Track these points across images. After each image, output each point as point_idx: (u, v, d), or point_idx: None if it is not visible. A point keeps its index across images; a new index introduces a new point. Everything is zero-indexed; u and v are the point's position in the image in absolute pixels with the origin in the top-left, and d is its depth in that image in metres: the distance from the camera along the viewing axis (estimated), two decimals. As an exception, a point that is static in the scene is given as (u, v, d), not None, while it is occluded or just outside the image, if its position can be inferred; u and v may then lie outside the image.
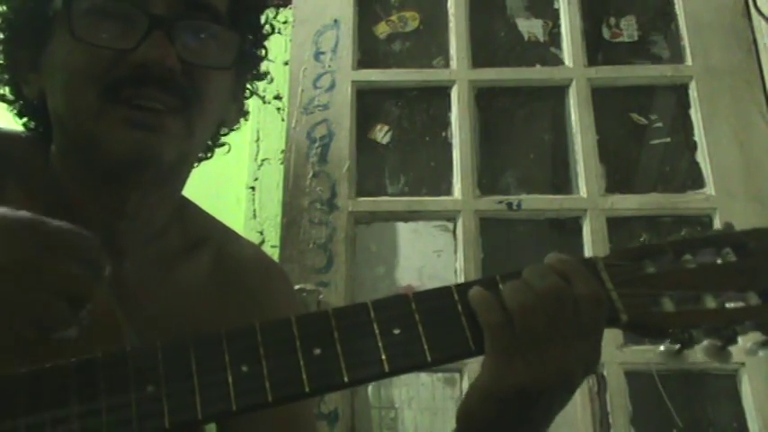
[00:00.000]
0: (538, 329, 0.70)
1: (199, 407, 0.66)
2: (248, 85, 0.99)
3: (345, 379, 0.68)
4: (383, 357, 0.69)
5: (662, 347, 0.75)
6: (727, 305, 0.73)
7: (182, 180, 0.92)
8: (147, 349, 0.69)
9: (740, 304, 0.73)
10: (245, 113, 1.00)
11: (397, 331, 0.70)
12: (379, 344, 0.69)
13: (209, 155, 0.99)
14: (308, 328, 0.70)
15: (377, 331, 0.70)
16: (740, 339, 0.73)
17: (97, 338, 0.71)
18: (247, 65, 0.96)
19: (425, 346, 0.70)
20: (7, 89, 0.92)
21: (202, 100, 0.84)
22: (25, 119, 0.93)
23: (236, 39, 0.87)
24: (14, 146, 0.91)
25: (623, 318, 0.73)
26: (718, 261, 0.75)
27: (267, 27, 0.97)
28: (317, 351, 0.68)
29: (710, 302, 0.73)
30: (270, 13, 0.97)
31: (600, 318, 0.72)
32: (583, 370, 0.73)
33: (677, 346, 0.74)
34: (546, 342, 0.70)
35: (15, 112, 0.93)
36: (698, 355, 0.75)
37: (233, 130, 0.99)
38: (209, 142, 0.97)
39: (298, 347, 0.68)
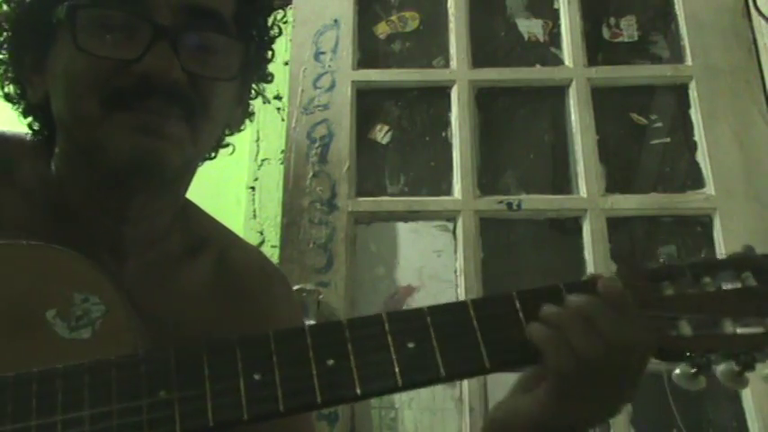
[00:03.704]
0: (603, 376, 0.70)
1: (210, 414, 0.66)
2: (254, 87, 0.98)
3: (358, 391, 0.68)
4: (397, 371, 0.68)
5: (677, 370, 0.74)
6: (747, 331, 0.72)
7: (185, 185, 0.92)
8: (160, 354, 0.69)
9: (759, 330, 0.72)
10: (250, 115, 0.99)
11: (411, 345, 0.69)
12: (393, 357, 0.68)
13: (212, 155, 0.99)
14: (321, 339, 0.69)
15: (390, 344, 0.69)
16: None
17: (111, 341, 0.71)
18: (254, 69, 0.95)
19: (440, 362, 0.69)
20: (12, 87, 0.91)
21: (208, 109, 0.84)
22: (30, 118, 0.92)
23: (240, 48, 0.87)
24: (14, 149, 0.91)
25: None
26: (738, 285, 0.74)
27: (274, 30, 0.96)
28: (331, 362, 0.68)
29: (729, 327, 0.72)
30: (277, 15, 0.96)
31: (648, 358, 0.72)
32: (627, 401, 0.74)
33: (693, 370, 0.73)
34: (606, 385, 0.70)
35: (20, 111, 0.92)
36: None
37: (238, 131, 0.99)
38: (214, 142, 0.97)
39: (311, 358, 0.68)
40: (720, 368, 0.73)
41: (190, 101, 0.81)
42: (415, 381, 0.69)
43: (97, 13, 0.81)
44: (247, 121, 1.01)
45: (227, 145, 1.00)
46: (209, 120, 0.85)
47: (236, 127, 0.98)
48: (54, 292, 0.73)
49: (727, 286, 0.74)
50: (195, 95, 0.82)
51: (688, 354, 0.72)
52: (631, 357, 0.70)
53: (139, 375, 0.67)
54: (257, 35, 0.93)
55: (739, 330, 0.72)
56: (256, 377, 0.67)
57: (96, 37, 0.80)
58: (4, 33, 0.90)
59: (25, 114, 0.92)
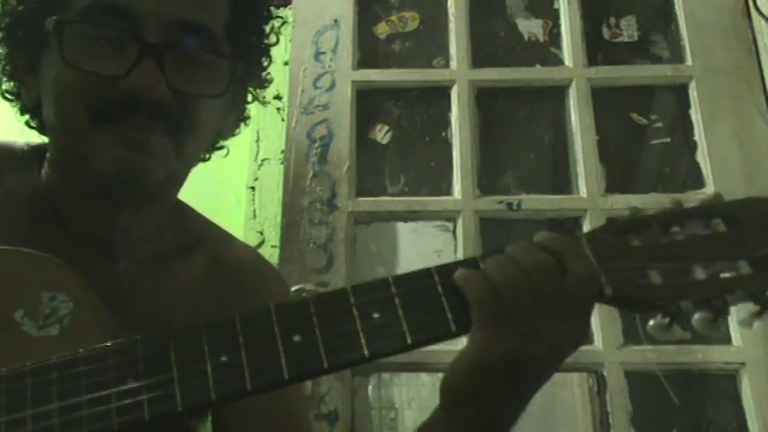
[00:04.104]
0: (525, 303, 0.70)
1: (178, 397, 0.66)
2: (251, 91, 0.98)
3: (325, 364, 0.68)
4: (363, 342, 0.69)
5: (651, 322, 0.74)
6: (718, 275, 0.72)
7: (175, 191, 0.92)
8: (126, 344, 0.69)
9: (731, 274, 0.72)
10: (245, 119, 0.99)
11: (376, 315, 0.70)
12: (359, 328, 0.69)
13: (207, 157, 0.99)
14: (287, 316, 0.70)
15: (356, 316, 0.70)
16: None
17: (79, 337, 0.72)
18: (248, 78, 0.95)
19: (405, 329, 0.69)
20: (9, 84, 0.92)
21: (194, 124, 0.84)
22: (27, 116, 0.93)
23: (229, 66, 0.86)
24: (8, 156, 0.91)
25: (607, 291, 0.72)
26: (708, 232, 0.74)
27: (271, 38, 0.96)
28: (297, 338, 0.68)
29: (700, 273, 0.72)
30: (275, 23, 0.96)
31: (591, 295, 0.72)
32: (572, 344, 0.73)
33: (667, 320, 0.73)
34: (535, 315, 0.70)
35: (18, 108, 0.93)
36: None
37: (232, 135, 0.99)
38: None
39: (277, 334, 0.68)
40: (695, 316, 0.72)
41: (175, 117, 0.82)
42: (381, 350, 0.69)
43: (85, 28, 0.81)
44: (246, 122, 1.01)
45: (222, 147, 1.00)
46: (195, 134, 0.85)
47: (229, 132, 0.98)
48: (22, 294, 0.74)
49: (697, 234, 0.74)
50: (181, 111, 0.82)
51: (658, 302, 0.72)
52: (555, 284, 0.71)
53: (107, 366, 0.68)
54: (253, 44, 0.93)
55: (711, 276, 0.72)
56: (223, 359, 0.67)
57: (84, 51, 0.81)
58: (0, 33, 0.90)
59: (22, 113, 0.93)
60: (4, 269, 0.76)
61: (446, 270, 0.73)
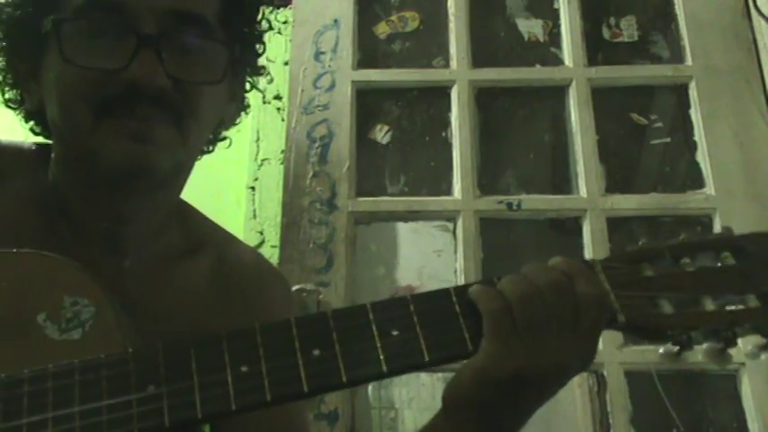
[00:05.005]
0: (537, 319, 0.71)
1: (198, 406, 0.67)
2: (248, 80, 0.99)
3: (344, 379, 0.69)
4: (381, 358, 0.70)
5: (661, 350, 0.75)
6: (727, 308, 0.73)
7: (181, 183, 0.93)
8: (148, 350, 0.70)
9: (739, 307, 0.73)
10: (245, 107, 1.01)
11: (395, 332, 0.71)
12: (378, 345, 0.70)
13: (210, 148, 0.99)
14: (307, 330, 0.71)
15: (375, 332, 0.71)
16: (740, 342, 0.73)
17: (101, 341, 0.72)
18: (244, 65, 0.96)
19: (423, 347, 0.71)
20: (12, 93, 0.93)
21: (195, 112, 0.85)
22: (31, 123, 0.94)
23: (225, 50, 0.88)
24: (11, 157, 0.92)
25: (621, 319, 0.74)
26: (717, 264, 0.76)
27: (263, 24, 0.97)
28: (316, 352, 0.69)
29: (709, 305, 0.73)
30: (266, 10, 0.98)
31: (600, 317, 0.73)
32: (579, 365, 0.74)
33: (676, 348, 0.74)
34: (545, 332, 0.71)
35: (22, 116, 0.94)
36: (698, 356, 0.75)
37: (234, 124, 1.00)
38: (211, 136, 0.98)
39: (297, 348, 0.69)
40: (704, 347, 0.74)
41: (176, 105, 0.83)
42: (399, 367, 0.70)
43: (82, 24, 0.82)
44: (248, 122, 1.02)
45: (225, 138, 1.00)
46: (197, 121, 0.86)
47: (230, 122, 0.99)
48: (44, 297, 0.74)
49: (707, 266, 0.76)
50: (182, 100, 0.83)
51: (669, 332, 0.74)
52: (566, 303, 0.72)
53: (128, 372, 0.68)
54: (246, 31, 0.94)
55: (720, 308, 0.73)
56: (243, 369, 0.68)
57: (83, 48, 0.82)
58: (1, 42, 0.91)
59: (26, 120, 0.95)
60: (26, 272, 0.76)
61: (464, 290, 0.74)
